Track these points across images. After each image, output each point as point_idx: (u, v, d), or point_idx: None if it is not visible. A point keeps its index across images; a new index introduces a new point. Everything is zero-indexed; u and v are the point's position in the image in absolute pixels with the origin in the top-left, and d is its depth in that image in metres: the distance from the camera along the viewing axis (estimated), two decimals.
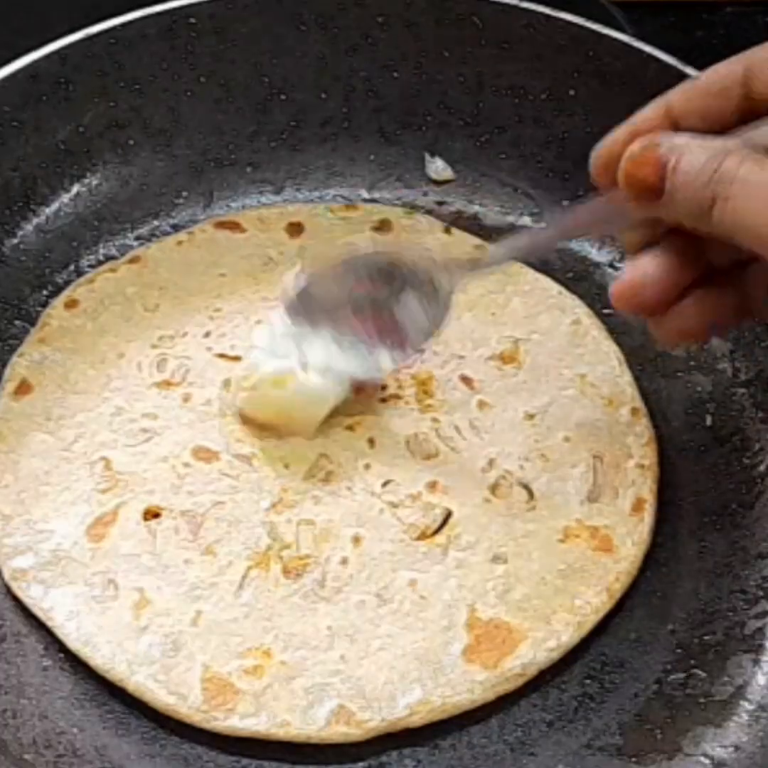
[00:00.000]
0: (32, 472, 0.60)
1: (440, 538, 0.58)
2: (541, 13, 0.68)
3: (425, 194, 0.72)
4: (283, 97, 0.72)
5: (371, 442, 0.61)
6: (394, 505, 0.59)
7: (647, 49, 0.66)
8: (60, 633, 0.55)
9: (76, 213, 0.69)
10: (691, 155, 0.44)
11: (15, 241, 0.68)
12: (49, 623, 0.56)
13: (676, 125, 0.47)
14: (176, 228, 0.70)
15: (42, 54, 0.67)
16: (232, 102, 0.71)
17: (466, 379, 0.63)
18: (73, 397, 0.63)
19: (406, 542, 0.58)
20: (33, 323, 0.66)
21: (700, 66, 0.65)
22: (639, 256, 0.48)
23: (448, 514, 0.59)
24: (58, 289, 0.67)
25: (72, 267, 0.68)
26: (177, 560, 0.57)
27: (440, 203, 0.72)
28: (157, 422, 0.62)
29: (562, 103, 0.70)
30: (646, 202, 0.46)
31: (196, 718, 0.53)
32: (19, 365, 0.64)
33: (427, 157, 0.73)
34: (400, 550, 0.57)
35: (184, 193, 0.71)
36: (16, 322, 0.66)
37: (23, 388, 0.63)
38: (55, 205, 0.69)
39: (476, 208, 0.72)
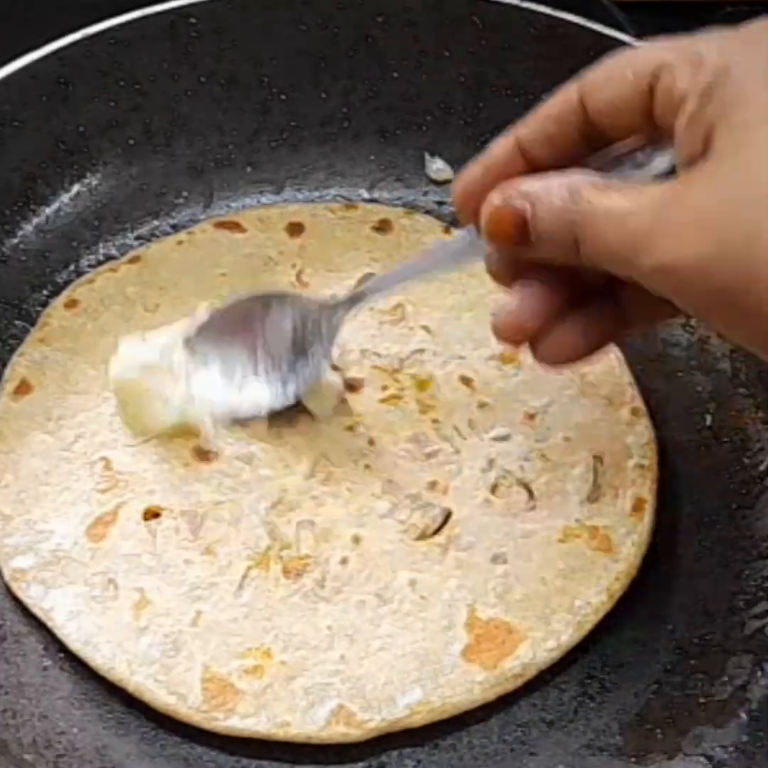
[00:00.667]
0: (32, 472, 0.60)
1: (440, 538, 0.58)
2: (542, 13, 0.68)
3: (425, 194, 0.72)
4: (283, 97, 0.72)
5: (371, 442, 0.61)
6: (394, 506, 0.59)
7: None
8: (60, 633, 0.55)
9: (76, 213, 0.69)
10: (546, 199, 0.45)
11: (15, 240, 0.68)
12: (49, 623, 0.56)
13: (526, 154, 0.48)
14: (176, 228, 0.70)
15: (42, 54, 0.67)
16: (232, 102, 0.71)
17: (465, 380, 0.63)
18: (73, 397, 0.63)
19: (406, 542, 0.58)
20: (33, 323, 0.66)
21: None
22: (513, 289, 0.49)
23: (448, 514, 0.59)
24: (58, 289, 0.67)
25: (72, 267, 0.68)
26: (177, 560, 0.57)
27: (440, 203, 0.72)
28: None
29: None
30: (513, 249, 0.47)
31: (196, 719, 0.53)
32: (19, 365, 0.64)
33: (427, 157, 0.72)
34: (399, 550, 0.57)
35: (184, 193, 0.71)
36: (16, 322, 0.66)
37: (23, 388, 0.63)
38: (55, 205, 0.69)
39: None
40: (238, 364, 0.59)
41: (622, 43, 0.66)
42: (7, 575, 0.57)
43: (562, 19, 0.68)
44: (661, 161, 0.47)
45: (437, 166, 0.72)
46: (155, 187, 0.71)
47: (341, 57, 0.71)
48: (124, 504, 0.59)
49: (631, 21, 0.77)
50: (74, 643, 0.55)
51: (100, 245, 0.69)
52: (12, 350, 0.65)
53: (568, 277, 0.48)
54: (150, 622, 0.55)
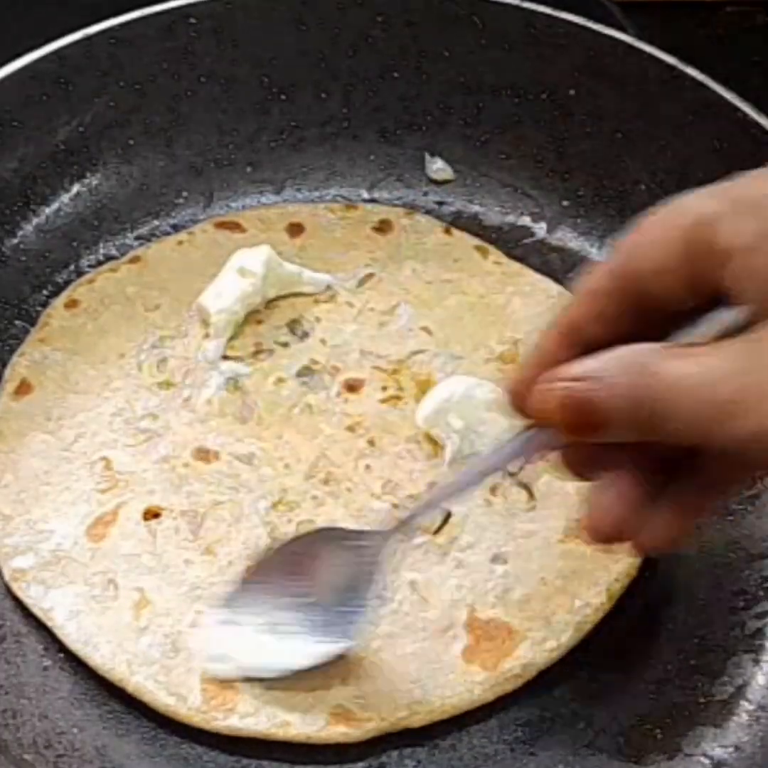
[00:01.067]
0: (32, 472, 0.60)
1: (440, 539, 0.58)
2: (542, 13, 0.68)
3: (425, 194, 0.72)
4: (283, 97, 0.72)
5: (371, 442, 0.61)
6: (394, 506, 0.59)
7: (647, 49, 0.66)
8: (60, 633, 0.55)
9: (76, 213, 0.69)
10: (609, 378, 0.41)
11: (15, 241, 0.68)
12: (49, 623, 0.56)
13: (578, 337, 0.44)
14: (176, 228, 0.70)
15: (42, 54, 0.67)
16: (232, 102, 0.71)
17: None
18: (73, 397, 0.63)
19: (406, 542, 0.58)
20: (33, 323, 0.66)
21: (700, 66, 0.66)
22: (598, 483, 0.45)
23: (448, 515, 0.59)
24: (58, 289, 0.67)
25: (72, 267, 0.68)
26: (177, 560, 0.57)
27: (440, 203, 0.72)
28: (158, 422, 0.62)
29: (562, 103, 0.70)
30: (583, 437, 0.42)
31: (196, 719, 0.53)
32: (19, 365, 0.64)
33: (427, 157, 0.72)
34: (399, 550, 0.57)
35: (184, 193, 0.71)
36: (16, 322, 0.66)
37: (23, 388, 0.63)
38: (55, 205, 0.69)
39: (476, 208, 0.72)
40: (281, 620, 0.54)
41: (622, 44, 0.67)
42: (7, 575, 0.57)
43: (562, 19, 0.68)
44: (722, 317, 0.42)
45: (437, 166, 0.72)
46: (155, 187, 0.71)
47: (341, 57, 0.71)
48: (124, 504, 0.59)
49: (631, 21, 0.77)
50: (74, 643, 0.55)
51: (100, 245, 0.69)
52: (12, 350, 0.65)
53: (651, 458, 0.44)
54: (150, 622, 0.55)
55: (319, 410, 0.62)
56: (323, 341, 0.65)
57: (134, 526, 0.58)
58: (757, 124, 0.63)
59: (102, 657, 0.54)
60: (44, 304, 0.67)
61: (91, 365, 0.64)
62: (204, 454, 0.60)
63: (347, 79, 0.71)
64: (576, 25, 0.67)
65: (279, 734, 0.53)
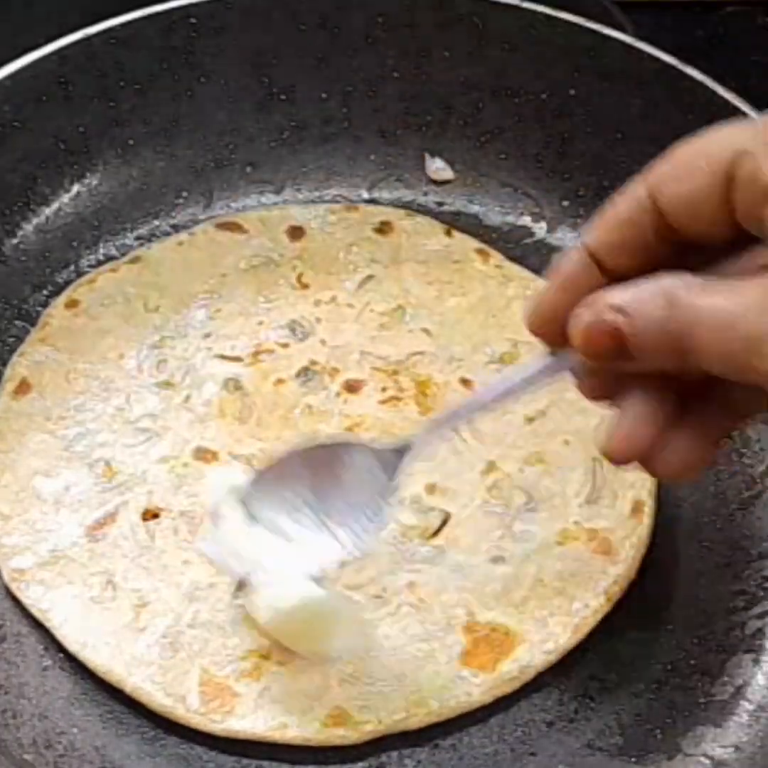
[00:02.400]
0: (32, 471, 0.60)
1: (439, 540, 0.58)
2: (542, 13, 0.68)
3: (425, 194, 0.72)
4: (283, 97, 0.72)
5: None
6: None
7: (647, 49, 0.66)
8: (58, 633, 0.55)
9: (76, 213, 0.69)
10: (642, 310, 0.41)
11: (15, 241, 0.68)
12: (47, 624, 0.56)
13: (602, 265, 0.44)
14: (176, 228, 0.70)
15: (42, 54, 0.67)
16: (232, 102, 0.71)
17: (465, 381, 0.63)
18: (73, 397, 0.63)
19: (405, 544, 0.58)
20: (33, 323, 0.66)
21: (701, 66, 0.65)
22: (620, 405, 0.45)
23: (447, 517, 0.59)
24: (58, 289, 0.67)
25: (72, 267, 0.68)
26: (176, 561, 0.57)
27: (440, 203, 0.72)
28: (157, 422, 0.62)
29: (562, 103, 0.70)
30: (612, 365, 0.43)
31: (194, 721, 0.53)
32: (19, 365, 0.64)
33: (427, 157, 0.72)
34: (398, 552, 0.57)
35: (184, 193, 0.71)
36: (17, 322, 0.66)
37: (23, 387, 0.63)
38: (55, 205, 0.69)
39: (476, 208, 0.72)
40: (292, 520, 0.54)
41: (622, 43, 0.67)
42: (6, 575, 0.57)
43: (562, 19, 0.68)
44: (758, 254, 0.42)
45: (437, 166, 0.72)
46: (155, 187, 0.71)
47: (341, 57, 0.71)
48: (123, 504, 0.59)
49: (631, 21, 0.77)
50: (72, 644, 0.55)
51: (100, 245, 0.69)
52: (12, 350, 0.65)
53: (673, 382, 0.44)
54: (148, 623, 0.55)
55: (318, 411, 0.62)
56: (323, 342, 0.65)
57: (133, 526, 0.58)
58: None
59: (100, 658, 0.54)
60: (44, 304, 0.67)
61: (91, 365, 0.64)
62: (203, 455, 0.60)
63: (347, 79, 0.71)
64: (576, 25, 0.67)
65: (276, 736, 0.53)
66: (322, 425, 0.61)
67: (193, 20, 0.69)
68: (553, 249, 0.70)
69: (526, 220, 0.71)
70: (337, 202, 0.72)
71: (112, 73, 0.69)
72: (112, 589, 0.56)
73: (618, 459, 0.45)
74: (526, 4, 0.68)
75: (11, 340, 0.65)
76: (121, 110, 0.70)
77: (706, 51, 0.78)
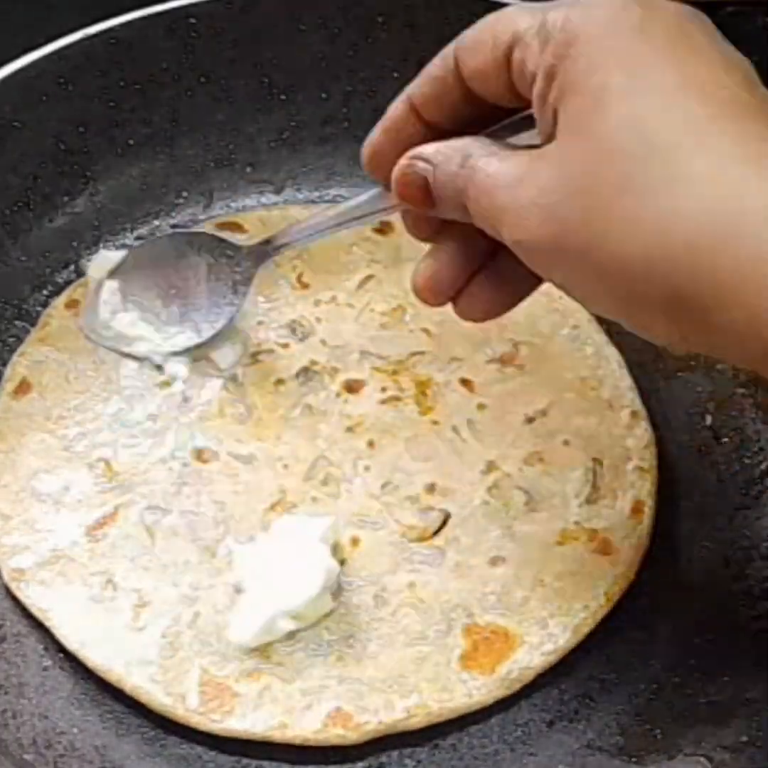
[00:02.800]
0: (31, 471, 0.60)
1: (438, 541, 0.58)
2: None
3: None
4: (283, 97, 0.71)
5: (371, 443, 0.61)
6: (392, 507, 0.59)
7: None
8: (58, 633, 0.55)
9: (76, 213, 0.69)
10: (444, 164, 0.46)
11: (15, 240, 0.67)
12: (47, 623, 0.56)
13: (421, 117, 0.48)
14: (176, 228, 0.70)
15: (42, 54, 0.67)
16: (232, 102, 0.71)
17: (465, 382, 0.63)
18: (73, 397, 0.63)
19: (405, 544, 0.58)
20: (33, 323, 0.66)
21: None
22: (429, 249, 0.51)
23: (447, 517, 0.59)
24: (58, 289, 0.67)
25: (72, 267, 0.68)
26: (176, 561, 0.57)
27: None
28: (158, 423, 0.62)
29: None
30: (421, 210, 0.48)
31: (194, 720, 0.53)
32: (19, 365, 0.64)
33: None
34: (398, 552, 0.57)
35: (184, 193, 0.71)
36: (16, 322, 0.66)
37: (23, 387, 0.63)
38: (55, 205, 0.69)
39: None
40: (157, 306, 0.63)
41: None
42: (6, 575, 0.57)
43: None
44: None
45: None
46: (155, 187, 0.71)
47: (341, 57, 0.71)
48: (124, 504, 0.59)
49: None
50: (72, 644, 0.55)
51: (101, 245, 0.69)
52: (12, 350, 0.65)
53: (476, 239, 0.48)
54: (148, 622, 0.55)
55: (318, 411, 0.62)
56: (323, 342, 0.65)
57: (133, 526, 0.58)
58: None
59: (100, 657, 0.54)
60: (44, 304, 0.66)
61: (91, 365, 0.64)
62: (203, 455, 0.60)
63: (347, 79, 0.71)
64: None
65: (276, 736, 0.53)
66: (322, 425, 0.61)
67: (193, 20, 0.69)
68: None
69: None
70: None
71: (113, 73, 0.68)
72: (112, 589, 0.56)
73: (422, 297, 0.51)
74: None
75: (11, 340, 0.65)
76: (121, 110, 0.69)
77: None
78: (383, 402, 0.62)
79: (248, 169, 0.72)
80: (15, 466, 0.60)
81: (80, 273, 0.68)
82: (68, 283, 0.67)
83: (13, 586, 0.57)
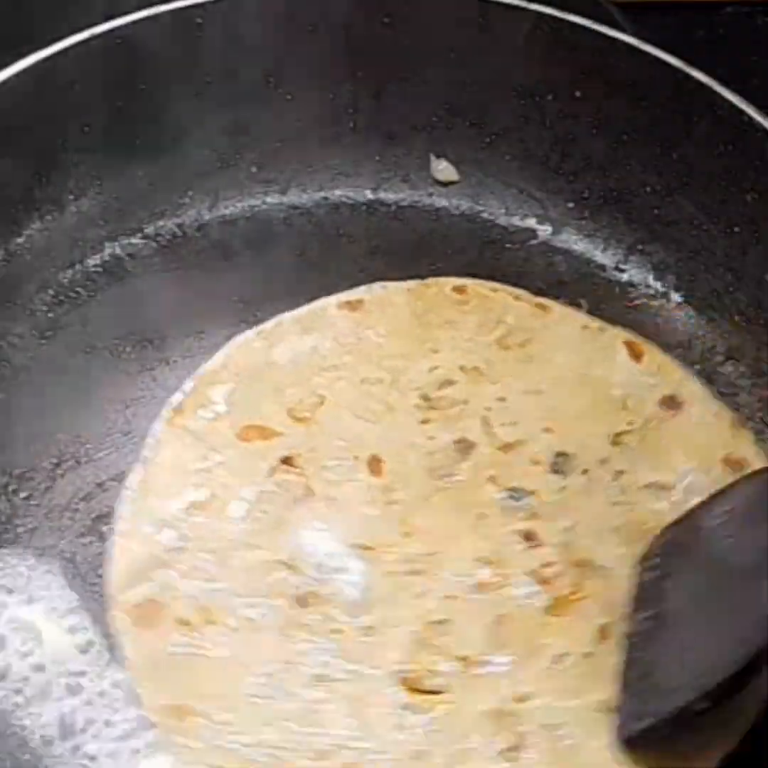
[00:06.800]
0: None
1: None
2: (548, 15, 0.68)
3: (430, 195, 0.73)
4: (288, 97, 0.71)
5: None
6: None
7: (654, 51, 0.66)
8: None
9: (81, 213, 0.69)
10: None
11: (20, 240, 0.67)
12: None
13: None
14: (182, 228, 0.70)
15: (43, 54, 0.66)
16: (237, 102, 0.71)
17: None
18: None
19: None
20: (38, 323, 0.65)
21: (701, 67, 0.66)
22: None
23: None
24: (62, 290, 0.67)
25: (77, 267, 0.68)
26: None
27: (445, 204, 0.72)
28: None
29: (567, 105, 0.70)
30: None
31: None
32: None
33: (433, 158, 0.73)
34: None
35: (190, 193, 0.71)
36: (22, 322, 0.66)
37: None
38: (59, 205, 0.68)
39: (481, 209, 0.72)
40: None
41: (628, 46, 0.67)
42: None
43: (568, 21, 0.67)
44: None
45: (442, 167, 0.72)
46: (160, 187, 0.71)
47: (347, 58, 0.70)
48: None
49: (631, 21, 0.77)
50: None
51: (106, 245, 0.69)
52: (16, 350, 0.64)
53: None
54: None
55: None
56: None
57: None
58: (760, 126, 0.63)
59: None
60: (49, 304, 0.66)
61: None
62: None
63: (353, 79, 0.71)
64: (582, 27, 0.67)
65: None
66: None
67: (199, 20, 0.69)
68: (558, 251, 0.71)
69: (531, 221, 0.72)
70: (341, 201, 0.72)
71: (119, 73, 0.68)
72: None
73: None
74: (532, 6, 0.68)
75: (16, 340, 0.65)
76: (126, 110, 0.69)
77: (706, 52, 0.78)
78: None
79: (253, 169, 0.72)
80: None
81: (85, 273, 0.68)
82: (73, 283, 0.67)
83: None
